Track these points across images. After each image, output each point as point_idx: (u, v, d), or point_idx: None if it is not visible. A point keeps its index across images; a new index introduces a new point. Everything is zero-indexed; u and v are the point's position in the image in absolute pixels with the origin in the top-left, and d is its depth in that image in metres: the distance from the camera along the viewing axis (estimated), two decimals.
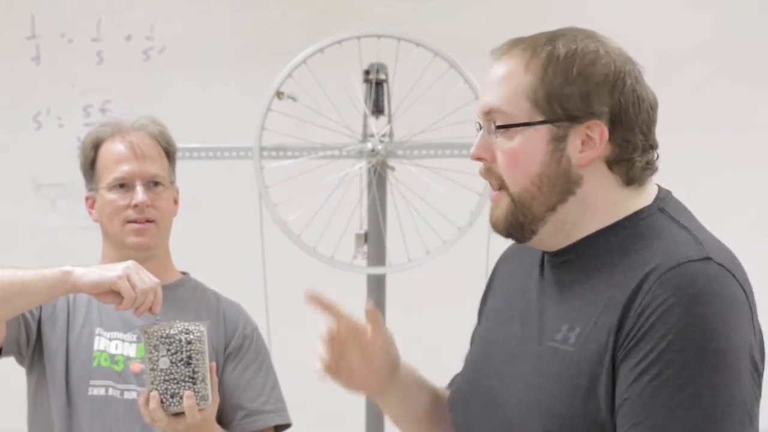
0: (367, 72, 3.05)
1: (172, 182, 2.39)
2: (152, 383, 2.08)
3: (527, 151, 1.52)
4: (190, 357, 2.08)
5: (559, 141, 1.52)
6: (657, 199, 1.56)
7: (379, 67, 3.03)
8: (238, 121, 3.52)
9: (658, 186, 1.58)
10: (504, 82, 1.54)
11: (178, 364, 2.07)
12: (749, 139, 4.05)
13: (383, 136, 3.01)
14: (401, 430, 1.82)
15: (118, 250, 2.37)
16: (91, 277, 2.07)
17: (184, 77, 4.24)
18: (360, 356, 1.69)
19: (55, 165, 4.19)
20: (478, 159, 1.58)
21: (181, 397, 2.07)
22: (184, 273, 2.44)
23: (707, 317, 1.42)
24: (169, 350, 2.07)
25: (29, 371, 2.35)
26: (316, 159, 3.05)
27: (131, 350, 2.31)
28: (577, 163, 1.52)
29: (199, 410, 2.09)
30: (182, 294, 2.38)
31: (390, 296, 3.09)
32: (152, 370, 2.08)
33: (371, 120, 3.03)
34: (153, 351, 2.08)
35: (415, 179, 2.99)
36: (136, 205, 2.31)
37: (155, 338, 2.08)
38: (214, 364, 2.15)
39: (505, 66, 1.55)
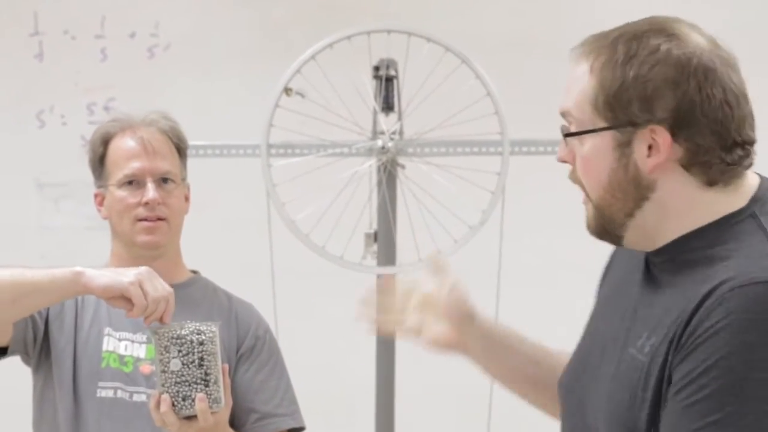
0: (376, 68, 3.01)
1: (184, 179, 2.35)
2: (163, 385, 2.03)
3: (596, 158, 1.49)
4: (202, 358, 2.03)
5: (624, 147, 1.47)
6: (752, 200, 1.49)
7: (389, 63, 2.98)
8: (244, 118, 3.47)
9: (761, 182, 1.51)
10: (573, 85, 1.50)
11: (190, 366, 2.02)
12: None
13: (393, 133, 2.96)
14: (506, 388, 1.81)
15: (128, 248, 2.32)
16: (102, 280, 2.01)
17: (189, 75, 4.20)
18: (434, 311, 1.73)
19: (58, 164, 4.16)
20: (563, 162, 1.54)
21: (193, 400, 2.03)
22: (194, 272, 2.39)
23: (754, 346, 1.37)
24: (180, 351, 2.02)
25: (35, 371, 2.30)
26: (324, 157, 3.00)
27: (141, 351, 2.27)
28: (645, 169, 1.47)
29: (212, 413, 2.05)
30: (193, 293, 2.34)
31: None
32: (163, 372, 2.03)
33: (381, 117, 2.98)
34: (164, 352, 2.03)
35: (426, 177, 2.95)
36: (146, 203, 2.26)
37: (166, 339, 2.03)
38: (226, 365, 2.10)
39: (575, 68, 1.51)
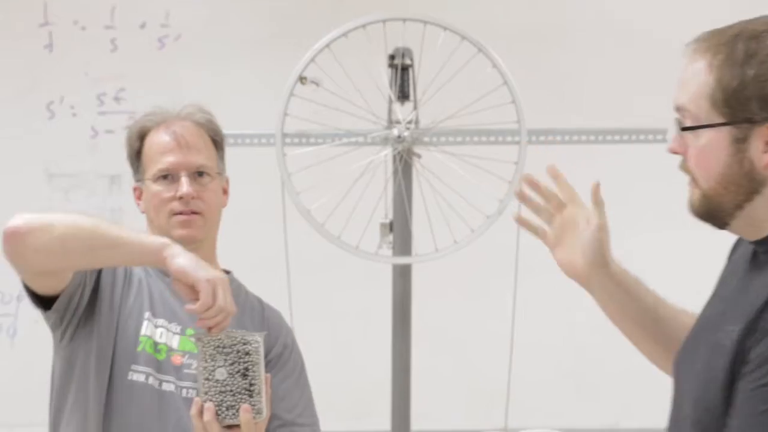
0: (392, 57, 2.98)
1: (220, 172, 2.34)
2: (206, 393, 2.02)
3: (711, 152, 1.55)
4: (247, 369, 2.02)
5: (740, 142, 1.54)
6: None
7: (405, 52, 2.96)
8: (255, 109, 3.46)
9: None
10: (690, 81, 1.56)
11: (236, 376, 2.02)
12: None
13: (409, 122, 2.93)
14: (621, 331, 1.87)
15: None
16: (182, 261, 2.01)
17: (200, 65, 4.18)
18: (575, 238, 1.80)
19: (68, 155, 4.17)
20: (675, 153, 1.60)
21: (237, 410, 2.02)
22: (226, 271, 2.36)
23: None
24: (226, 361, 2.02)
25: (64, 340, 2.27)
26: (339, 146, 2.98)
27: (174, 341, 2.25)
28: (760, 165, 1.54)
29: (254, 424, 2.04)
30: None
31: (416, 287, 3.02)
32: (207, 379, 2.02)
33: (397, 106, 2.95)
34: (209, 360, 2.02)
35: (442, 167, 2.92)
36: (180, 197, 2.25)
37: (212, 347, 2.02)
38: (269, 375, 2.09)
39: (692, 63, 1.57)
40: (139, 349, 2.23)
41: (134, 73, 4.18)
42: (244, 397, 2.02)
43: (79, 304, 2.23)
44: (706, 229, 1.65)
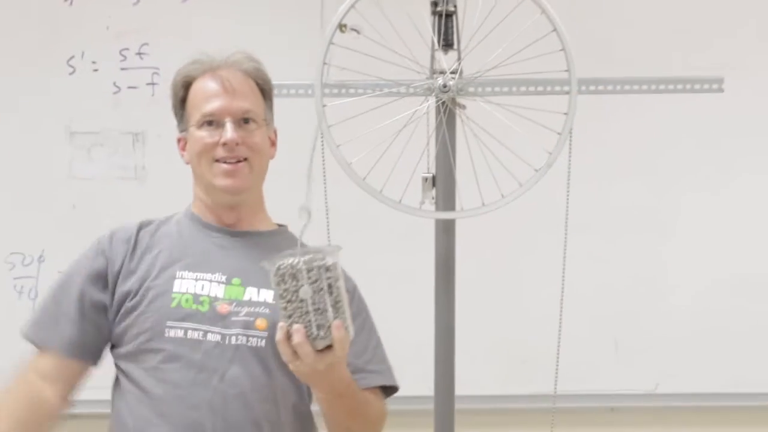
0: (435, 3, 2.85)
1: (268, 122, 2.24)
2: (290, 317, 1.89)
3: None
4: (330, 285, 1.90)
5: None
6: None
7: None
8: (286, 61, 3.32)
9: None
10: None
11: (320, 293, 1.89)
12: None
13: (453, 72, 2.81)
14: None
15: (208, 192, 2.25)
16: None
17: (226, 16, 4.07)
18: None
19: (90, 112, 4.09)
20: None
21: (328, 328, 1.89)
22: (280, 225, 2.30)
23: None
24: (309, 278, 1.89)
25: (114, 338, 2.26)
26: (381, 96, 2.85)
27: (219, 291, 2.18)
28: None
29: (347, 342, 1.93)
30: (280, 243, 2.25)
31: (460, 243, 2.91)
32: (289, 302, 1.90)
33: (440, 55, 2.83)
34: (289, 281, 1.90)
35: (488, 118, 2.80)
36: (225, 143, 2.16)
37: (290, 268, 1.90)
38: (347, 293, 1.97)
39: None
40: (174, 305, 2.17)
41: (157, 27, 4.09)
42: (333, 313, 1.90)
43: (107, 319, 2.25)
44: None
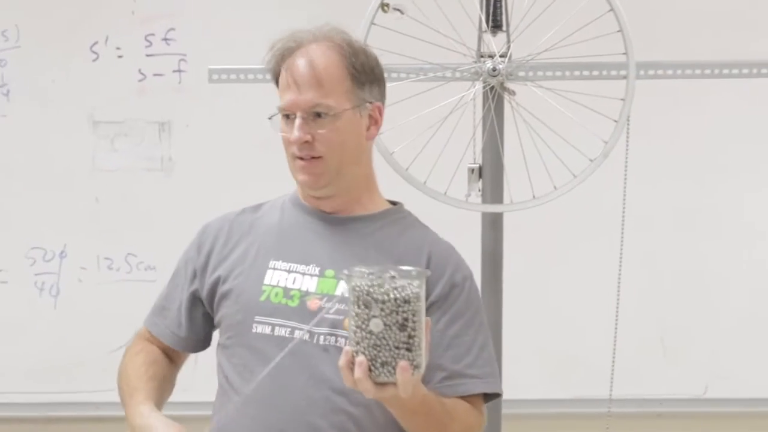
0: None
1: (356, 105, 2.11)
2: (358, 344, 1.78)
3: None
4: (405, 320, 1.76)
5: None
6: None
7: None
8: None
9: None
10: None
11: (393, 328, 1.76)
12: None
13: (502, 55, 2.69)
14: None
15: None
16: None
17: (257, 1, 3.95)
18: None
19: (114, 100, 3.99)
20: None
21: (393, 368, 1.77)
22: (393, 203, 2.20)
23: None
24: (382, 311, 1.76)
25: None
26: (425, 81, 2.73)
27: (311, 284, 2.09)
28: None
29: (412, 380, 1.80)
30: (376, 230, 2.15)
31: (508, 238, 2.80)
32: (359, 328, 1.77)
33: (488, 37, 2.70)
34: (362, 307, 1.77)
35: (539, 104, 2.67)
36: (293, 142, 2.10)
37: (365, 294, 1.76)
38: (429, 320, 1.83)
39: None
40: (263, 299, 2.09)
41: (184, 12, 3.98)
42: (402, 352, 1.76)
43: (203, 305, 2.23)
44: None
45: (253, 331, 2.09)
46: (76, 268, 4.00)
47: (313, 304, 2.06)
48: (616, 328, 2.82)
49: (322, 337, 2.05)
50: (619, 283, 2.78)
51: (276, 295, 2.09)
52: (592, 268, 3.73)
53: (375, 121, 2.17)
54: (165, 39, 3.98)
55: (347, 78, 2.11)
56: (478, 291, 2.15)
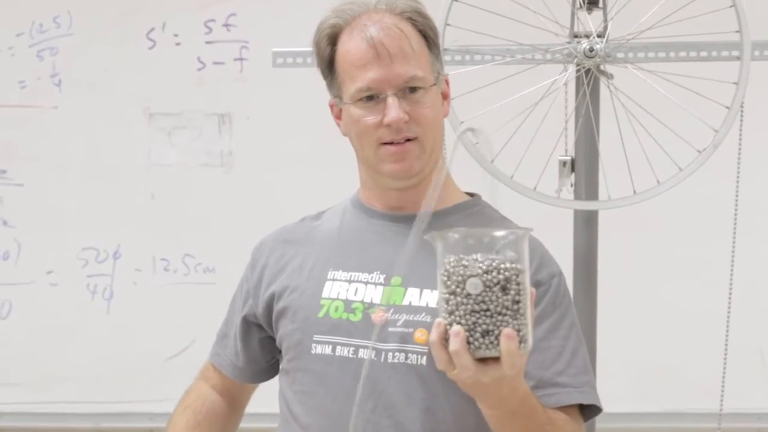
0: None
1: (437, 76, 1.93)
2: (452, 314, 1.54)
3: None
4: (508, 280, 1.54)
5: None
6: None
7: None
8: None
9: None
10: None
11: (494, 289, 1.53)
12: None
13: (599, 35, 2.49)
14: None
15: (374, 176, 1.98)
16: None
17: None
18: None
19: (171, 91, 3.92)
20: None
21: (497, 337, 1.53)
22: (471, 195, 2.03)
23: None
24: (481, 268, 1.53)
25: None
26: (512, 64, 2.54)
27: (375, 294, 1.91)
28: None
29: (519, 356, 1.58)
30: (462, 221, 1.97)
31: (603, 238, 2.62)
32: (452, 294, 1.54)
33: (583, 14, 2.51)
34: (456, 266, 1.54)
35: (642, 89, 2.47)
36: (389, 124, 1.88)
37: (459, 248, 1.54)
38: (534, 290, 1.61)
39: None
40: (321, 314, 1.92)
41: None
42: (507, 318, 1.54)
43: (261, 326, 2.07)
44: None
45: (313, 352, 1.92)
46: (130, 269, 3.95)
47: (378, 316, 1.89)
48: (727, 338, 2.67)
49: (391, 355, 1.87)
50: (730, 289, 2.61)
51: (336, 309, 1.92)
52: (696, 271, 3.61)
53: (446, 96, 2.00)
54: (226, 25, 3.91)
55: (425, 47, 1.94)
56: (568, 291, 1.96)
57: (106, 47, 3.90)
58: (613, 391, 3.46)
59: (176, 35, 3.90)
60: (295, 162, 3.83)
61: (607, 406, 2.29)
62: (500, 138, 2.52)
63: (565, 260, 2.53)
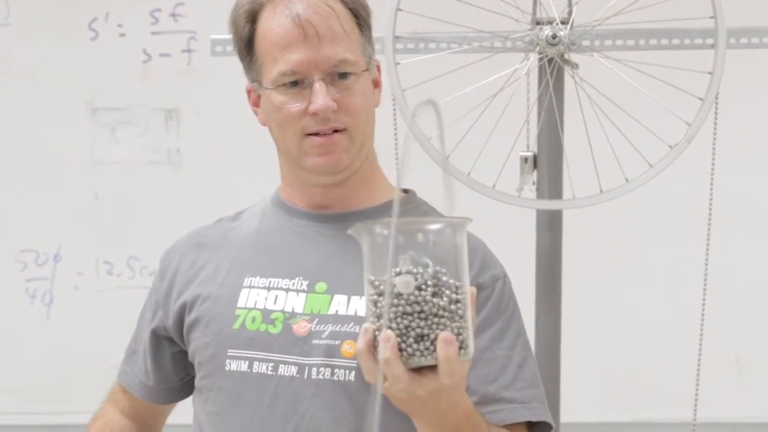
0: None
1: (369, 61, 1.82)
2: (380, 318, 1.43)
3: None
4: (444, 276, 1.44)
5: None
6: None
7: None
8: None
9: None
10: None
11: (428, 288, 1.42)
12: None
13: (563, 21, 2.41)
14: None
15: (296, 171, 1.87)
16: None
17: None
18: None
19: (115, 84, 3.92)
20: None
21: (432, 342, 1.41)
22: (406, 191, 1.92)
23: None
24: (413, 263, 1.43)
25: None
26: (469, 52, 2.46)
27: (297, 303, 1.80)
28: None
29: (459, 363, 1.48)
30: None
31: (568, 239, 2.55)
32: (381, 295, 1.44)
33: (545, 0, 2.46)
34: (383, 261, 1.43)
35: (609, 80, 2.41)
36: (315, 113, 1.77)
37: (384, 241, 1.43)
38: (474, 289, 1.50)
39: None
40: (236, 326, 1.82)
41: None
42: (443, 320, 1.42)
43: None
44: None
45: (227, 368, 1.80)
46: (72, 273, 3.91)
47: (300, 327, 1.77)
48: (700, 344, 2.61)
49: (315, 370, 1.76)
50: (704, 292, 2.53)
51: (253, 320, 1.80)
52: (666, 274, 3.62)
53: (377, 84, 1.88)
54: (173, 15, 3.89)
55: (357, 27, 1.83)
56: (514, 295, 1.85)
57: (45, 38, 3.86)
58: (580, 400, 3.43)
59: (120, 25, 3.86)
60: (246, 160, 3.75)
61: (574, 416, 2.21)
62: (456, 132, 2.39)
63: (527, 263, 2.54)
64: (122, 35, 3.86)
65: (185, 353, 1.90)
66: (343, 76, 1.77)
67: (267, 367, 1.77)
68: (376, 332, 1.44)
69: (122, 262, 3.87)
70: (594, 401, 3.77)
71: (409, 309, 1.41)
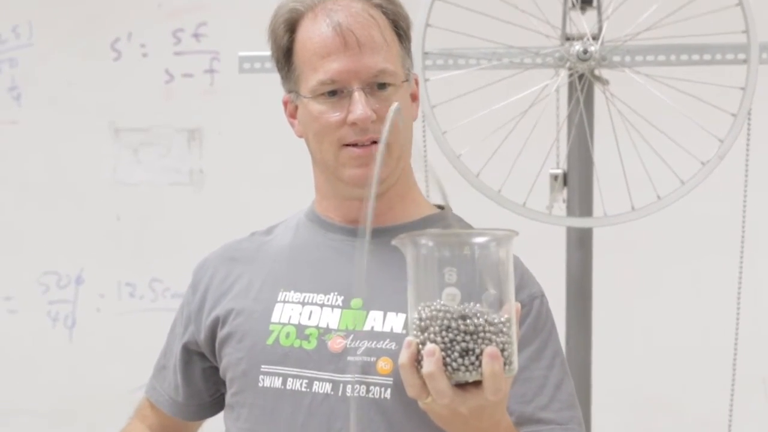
0: None
1: (408, 73, 1.80)
2: (425, 331, 1.40)
3: None
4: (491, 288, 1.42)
5: None
6: None
7: None
8: None
9: None
10: None
11: (474, 301, 1.40)
12: None
13: (594, 36, 2.41)
14: None
15: (332, 182, 1.83)
16: None
17: None
18: None
19: (137, 105, 3.91)
20: None
21: (478, 357, 1.38)
22: (440, 207, 1.89)
23: None
24: (460, 273, 1.40)
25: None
26: (499, 68, 2.46)
27: (332, 319, 1.77)
28: None
29: (504, 379, 1.45)
30: None
31: (599, 257, 2.55)
32: (426, 306, 1.41)
33: (576, 14, 2.44)
34: (429, 273, 1.41)
35: (640, 96, 2.40)
36: (354, 123, 1.74)
37: (436, 251, 1.40)
38: (518, 305, 1.47)
39: None
40: (270, 341, 1.79)
41: (217, 4, 3.86)
42: (488, 335, 1.39)
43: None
44: None
45: (260, 384, 1.77)
46: (94, 295, 3.91)
47: (335, 344, 1.75)
48: (734, 368, 2.58)
49: (350, 388, 1.73)
50: (738, 316, 2.53)
51: (287, 335, 1.78)
52: (697, 294, 3.56)
53: (415, 97, 1.86)
54: (195, 35, 3.89)
55: (396, 38, 1.80)
56: (551, 315, 1.83)
57: (68, 59, 3.86)
58: (609, 424, 3.38)
59: (143, 46, 3.87)
60: (269, 180, 3.77)
61: None
62: (486, 149, 2.43)
63: (557, 282, 2.51)
64: (145, 55, 3.87)
65: (216, 369, 1.89)
66: (383, 86, 1.75)
67: (301, 384, 1.75)
68: (420, 346, 1.41)
69: (144, 284, 3.88)
70: (623, 425, 3.73)
71: (454, 324, 1.39)
